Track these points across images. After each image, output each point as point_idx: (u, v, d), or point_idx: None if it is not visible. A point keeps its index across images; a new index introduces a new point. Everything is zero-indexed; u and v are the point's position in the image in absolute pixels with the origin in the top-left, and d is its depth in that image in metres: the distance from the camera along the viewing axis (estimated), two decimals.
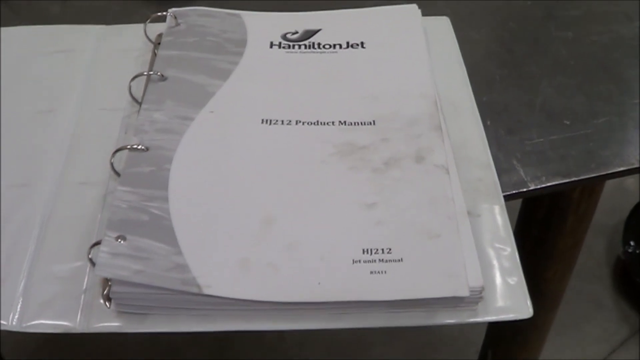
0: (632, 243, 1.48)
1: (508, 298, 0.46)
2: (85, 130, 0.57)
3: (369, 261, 0.45)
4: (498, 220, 0.50)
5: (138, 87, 0.57)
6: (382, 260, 0.45)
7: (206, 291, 0.43)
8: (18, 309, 0.45)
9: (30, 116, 0.58)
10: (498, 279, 0.46)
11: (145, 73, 0.56)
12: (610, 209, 1.56)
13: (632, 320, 1.45)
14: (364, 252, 0.45)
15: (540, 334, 1.04)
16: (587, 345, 1.41)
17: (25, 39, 0.65)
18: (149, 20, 0.62)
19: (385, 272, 0.45)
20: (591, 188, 0.78)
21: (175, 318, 0.45)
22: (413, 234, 0.47)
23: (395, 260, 0.45)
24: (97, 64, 0.62)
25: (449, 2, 0.71)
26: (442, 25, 0.66)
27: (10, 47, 0.64)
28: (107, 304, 0.45)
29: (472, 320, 0.44)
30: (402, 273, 0.45)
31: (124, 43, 0.63)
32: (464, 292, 0.43)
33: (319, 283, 0.44)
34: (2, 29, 0.65)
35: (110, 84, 0.60)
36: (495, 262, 0.47)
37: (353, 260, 0.45)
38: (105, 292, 0.45)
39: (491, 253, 0.48)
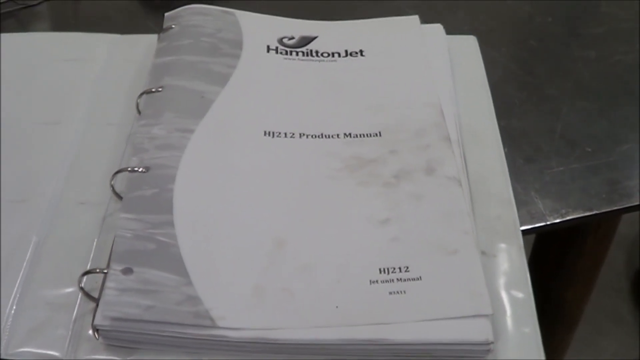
0: None
1: (520, 349, 0.43)
2: (90, 146, 0.55)
3: (387, 281, 0.43)
4: (515, 263, 0.47)
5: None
6: (400, 279, 0.43)
7: (220, 323, 0.41)
8: (6, 335, 0.44)
9: (35, 127, 0.56)
10: (510, 328, 0.44)
11: (154, 89, 0.54)
12: (629, 221, 1.52)
13: None
14: (380, 272, 0.44)
15: (558, 354, 1.02)
16: None
17: (35, 46, 0.63)
18: (162, 31, 0.60)
19: (404, 292, 0.43)
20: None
21: (169, 349, 0.43)
22: (430, 250, 0.45)
23: (413, 279, 0.43)
24: (107, 75, 0.60)
25: (468, 18, 0.69)
26: (468, 45, 0.63)
27: (20, 54, 0.62)
28: (96, 335, 0.43)
29: None
30: (422, 292, 0.43)
31: (137, 54, 0.61)
32: (487, 311, 0.42)
33: (337, 307, 0.42)
34: (13, 35, 0.64)
35: (119, 97, 0.58)
36: (508, 309, 0.45)
37: (370, 281, 0.43)
38: (94, 322, 0.43)
39: (505, 298, 0.45)
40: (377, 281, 0.43)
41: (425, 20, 0.61)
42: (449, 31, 0.62)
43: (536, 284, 0.92)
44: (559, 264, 0.85)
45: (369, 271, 0.44)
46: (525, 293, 0.46)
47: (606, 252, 0.84)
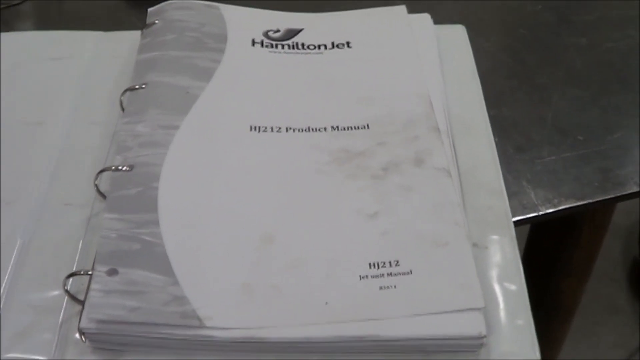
0: None
1: (514, 342, 0.42)
2: (74, 145, 0.54)
3: (377, 276, 0.43)
4: (507, 254, 0.46)
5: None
6: (391, 274, 0.43)
7: (208, 323, 0.40)
8: None
9: (19, 128, 0.55)
10: (503, 320, 0.43)
11: (138, 86, 0.53)
12: (625, 211, 1.52)
13: None
14: (370, 267, 0.43)
15: (556, 348, 1.01)
16: (603, 351, 1.37)
17: (20, 45, 0.62)
18: (145, 27, 0.59)
19: (395, 286, 0.42)
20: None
21: (156, 350, 0.42)
22: (420, 243, 0.44)
23: (404, 273, 0.43)
24: (92, 73, 0.59)
25: (457, 7, 0.68)
26: (457, 35, 0.62)
27: (4, 54, 0.61)
28: (82, 338, 0.42)
29: None
30: (413, 287, 0.42)
31: (122, 50, 0.60)
32: (479, 304, 0.41)
33: (326, 303, 0.41)
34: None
35: (104, 95, 0.57)
36: (501, 301, 0.44)
37: (360, 277, 0.43)
38: (80, 325, 0.42)
39: (497, 290, 0.44)
40: (367, 276, 0.43)
41: (413, 10, 0.61)
42: (438, 21, 0.61)
43: (532, 276, 0.92)
44: (554, 255, 0.84)
45: (359, 266, 0.43)
46: (518, 285, 0.45)
47: (601, 242, 0.84)
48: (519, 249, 0.87)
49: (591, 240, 0.81)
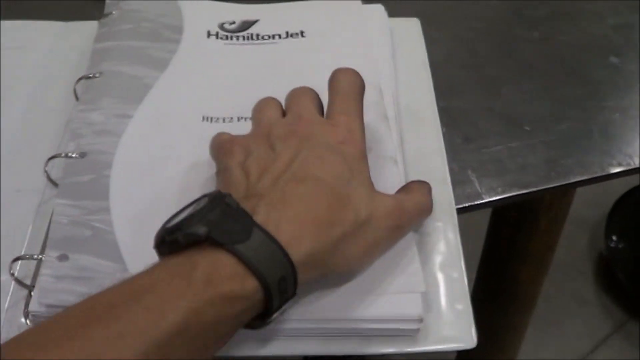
0: (614, 238, 1.46)
1: (453, 326, 0.43)
2: (28, 133, 0.54)
3: None
4: (450, 241, 0.47)
5: None
6: None
7: None
8: None
9: None
10: (444, 305, 0.44)
11: (91, 75, 0.54)
12: (592, 203, 1.54)
13: (615, 316, 1.43)
14: None
15: (517, 336, 1.02)
16: (570, 342, 1.39)
17: None
18: (103, 17, 0.59)
19: None
20: (564, 190, 0.75)
21: None
22: None
23: None
24: (50, 62, 0.60)
25: (412, 1, 0.69)
26: (411, 28, 0.63)
27: None
28: (27, 322, 0.43)
29: (410, 349, 0.42)
30: None
31: (81, 40, 0.61)
32: (420, 288, 0.42)
33: None
34: None
35: (61, 84, 0.57)
36: (442, 287, 0.45)
37: None
38: (26, 309, 0.43)
39: (439, 276, 0.45)
40: None
41: (369, 2, 0.61)
42: (394, 14, 0.62)
43: (491, 264, 0.93)
44: (512, 244, 0.85)
45: None
46: (458, 271, 0.46)
47: (559, 232, 0.85)
48: (480, 239, 0.89)
49: (548, 230, 0.83)
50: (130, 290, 0.34)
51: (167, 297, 0.34)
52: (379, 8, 0.61)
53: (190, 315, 0.33)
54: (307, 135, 0.43)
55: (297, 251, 0.37)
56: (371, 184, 0.43)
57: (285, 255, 0.36)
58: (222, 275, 0.35)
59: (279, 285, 0.36)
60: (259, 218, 0.37)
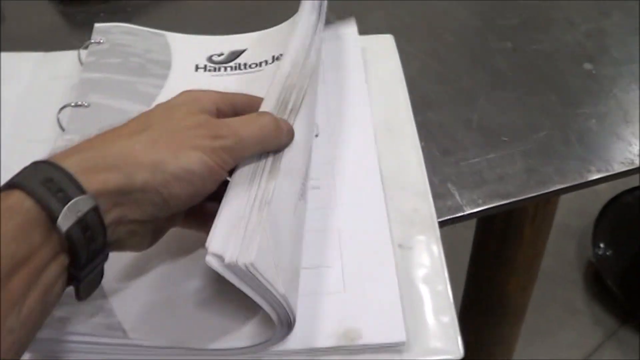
0: (602, 245, 1.47)
1: (438, 338, 0.43)
2: (10, 164, 0.53)
3: None
4: (433, 254, 0.47)
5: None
6: None
7: (132, 335, 0.41)
8: None
9: None
10: (429, 318, 0.44)
11: (73, 104, 0.54)
12: (578, 211, 1.54)
13: (606, 324, 1.43)
14: None
15: (507, 347, 1.02)
16: (561, 351, 1.38)
17: None
18: (83, 47, 0.60)
19: None
20: (545, 199, 0.75)
21: (84, 355, 0.42)
22: None
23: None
24: (31, 93, 0.60)
25: (386, 16, 0.69)
26: (385, 44, 0.63)
27: None
28: None
29: None
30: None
31: (61, 70, 0.61)
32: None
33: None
34: None
35: (41, 114, 0.57)
36: (426, 300, 0.45)
37: None
38: None
39: (423, 289, 0.45)
40: None
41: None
42: (367, 30, 0.62)
43: (479, 277, 0.93)
44: (498, 256, 0.85)
45: None
46: (442, 284, 0.45)
47: (545, 241, 0.85)
48: (466, 252, 0.89)
49: (534, 240, 0.82)
50: None
51: None
52: (352, 27, 0.61)
53: None
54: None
55: (70, 160, 0.36)
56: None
57: (51, 164, 0.35)
58: None
59: (49, 191, 0.33)
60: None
